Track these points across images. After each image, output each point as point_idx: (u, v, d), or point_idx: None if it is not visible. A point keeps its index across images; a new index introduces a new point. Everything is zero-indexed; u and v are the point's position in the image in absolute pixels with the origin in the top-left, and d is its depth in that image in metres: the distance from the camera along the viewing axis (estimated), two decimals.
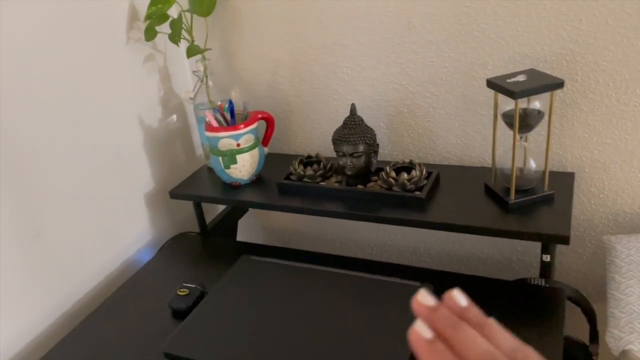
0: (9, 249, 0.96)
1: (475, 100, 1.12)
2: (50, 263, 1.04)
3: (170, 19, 1.15)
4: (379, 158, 1.13)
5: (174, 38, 1.14)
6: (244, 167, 1.15)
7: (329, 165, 1.14)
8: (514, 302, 0.92)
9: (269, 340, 0.87)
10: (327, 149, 1.20)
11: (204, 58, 1.19)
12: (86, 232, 1.11)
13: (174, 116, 1.32)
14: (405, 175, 1.03)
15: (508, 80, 0.91)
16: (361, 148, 1.05)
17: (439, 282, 0.90)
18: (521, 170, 0.99)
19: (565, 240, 0.89)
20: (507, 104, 0.93)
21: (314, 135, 1.31)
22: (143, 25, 1.17)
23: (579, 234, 1.15)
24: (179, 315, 0.97)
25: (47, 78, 1.01)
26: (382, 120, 1.22)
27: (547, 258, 0.95)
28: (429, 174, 1.07)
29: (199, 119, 1.24)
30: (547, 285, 0.95)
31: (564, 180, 1.04)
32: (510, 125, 0.94)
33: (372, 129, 1.08)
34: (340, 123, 1.09)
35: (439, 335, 0.35)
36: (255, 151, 1.16)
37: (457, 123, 1.16)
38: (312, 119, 1.30)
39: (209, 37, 1.23)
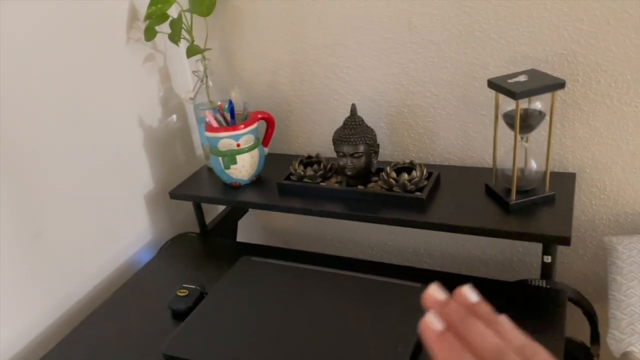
0: (9, 249, 0.95)
1: (476, 100, 1.11)
2: (50, 263, 1.04)
3: (170, 18, 1.15)
4: (380, 158, 1.13)
5: (174, 38, 1.14)
6: (244, 168, 1.15)
7: (329, 166, 1.14)
8: (514, 303, 0.91)
9: (269, 341, 0.86)
10: (327, 150, 1.20)
11: (204, 58, 1.19)
12: (86, 232, 1.11)
13: (174, 116, 1.32)
14: (405, 176, 1.03)
15: (509, 81, 0.90)
16: (361, 148, 1.05)
17: (440, 283, 0.90)
18: (522, 170, 0.98)
19: (566, 242, 0.89)
20: (508, 105, 0.93)
21: (314, 135, 1.31)
22: (143, 25, 1.17)
23: (580, 235, 1.15)
24: (179, 316, 0.97)
25: (47, 78, 1.00)
26: (383, 120, 1.21)
27: (548, 259, 0.95)
28: (430, 174, 1.07)
29: (199, 119, 1.24)
30: (548, 287, 0.95)
31: (565, 181, 1.04)
32: (511, 125, 0.94)
33: (372, 129, 1.08)
34: (340, 123, 1.08)
35: (450, 327, 0.35)
36: (255, 151, 1.16)
37: (458, 123, 1.15)
38: (312, 119, 1.30)
39: (209, 37, 1.22)
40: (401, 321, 0.86)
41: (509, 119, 0.94)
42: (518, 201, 0.96)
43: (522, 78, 0.91)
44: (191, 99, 1.23)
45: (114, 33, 1.15)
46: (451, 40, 1.08)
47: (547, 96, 0.91)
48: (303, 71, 1.25)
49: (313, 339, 0.85)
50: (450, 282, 0.43)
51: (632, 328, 0.81)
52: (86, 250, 1.12)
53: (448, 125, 1.16)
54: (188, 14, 1.17)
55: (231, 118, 1.16)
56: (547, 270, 0.96)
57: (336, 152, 1.08)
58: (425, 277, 0.98)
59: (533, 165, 0.99)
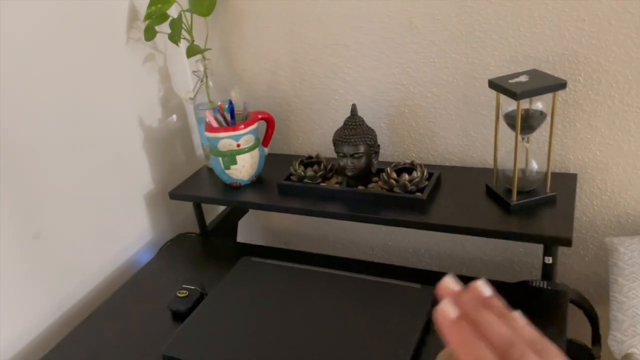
0: (9, 249, 0.95)
1: (477, 100, 1.11)
2: (50, 263, 1.04)
3: (170, 18, 1.15)
4: (380, 159, 1.13)
5: (174, 38, 1.14)
6: (244, 168, 1.15)
7: (329, 166, 1.13)
8: (515, 305, 0.90)
9: (269, 343, 0.86)
10: (327, 150, 1.20)
11: (204, 58, 1.18)
12: (86, 232, 1.11)
13: (174, 116, 1.32)
14: (406, 176, 1.03)
15: (510, 81, 0.90)
16: (362, 149, 1.05)
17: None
18: (523, 171, 0.98)
19: (567, 242, 0.89)
20: (509, 105, 0.93)
21: (315, 135, 1.31)
22: (143, 25, 1.16)
23: (581, 236, 1.14)
24: (179, 317, 0.96)
25: (47, 78, 1.00)
26: (383, 120, 1.21)
27: (549, 260, 0.95)
28: (430, 175, 1.07)
29: (199, 119, 1.24)
30: (549, 288, 0.95)
31: (566, 182, 1.03)
32: (512, 126, 0.93)
33: (372, 130, 1.08)
34: (340, 123, 1.08)
35: (463, 316, 0.35)
36: (256, 152, 1.16)
37: (459, 124, 1.15)
38: (313, 120, 1.29)
39: (209, 37, 1.22)
40: (401, 322, 0.86)
41: (510, 119, 0.93)
42: (519, 202, 0.96)
43: (523, 78, 0.90)
44: (191, 99, 1.23)
45: (114, 33, 1.14)
46: (452, 41, 1.08)
47: (548, 96, 0.91)
48: (303, 71, 1.24)
49: (313, 340, 0.85)
50: None
51: (633, 330, 0.81)
52: (86, 251, 1.11)
53: (449, 126, 1.16)
54: (188, 14, 1.17)
55: (231, 118, 1.15)
56: (548, 271, 0.96)
57: (336, 152, 1.08)
58: (426, 278, 0.98)
59: (534, 165, 0.99)
